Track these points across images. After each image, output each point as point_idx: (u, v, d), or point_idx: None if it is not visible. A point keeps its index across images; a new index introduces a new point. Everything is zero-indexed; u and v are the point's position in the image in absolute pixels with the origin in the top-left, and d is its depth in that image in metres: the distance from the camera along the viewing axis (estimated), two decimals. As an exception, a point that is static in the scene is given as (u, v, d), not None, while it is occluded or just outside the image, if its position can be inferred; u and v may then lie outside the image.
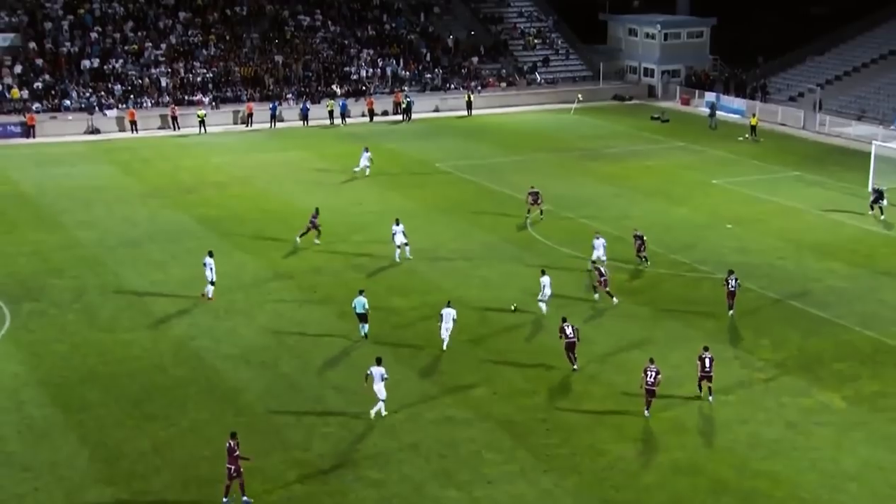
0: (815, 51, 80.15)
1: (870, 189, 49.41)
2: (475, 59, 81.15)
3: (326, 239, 43.59)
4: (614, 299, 36.16)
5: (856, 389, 29.79)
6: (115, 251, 42.17)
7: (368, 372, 28.29)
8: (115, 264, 40.54)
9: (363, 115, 71.91)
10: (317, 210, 43.25)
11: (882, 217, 46.97)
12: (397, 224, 40.82)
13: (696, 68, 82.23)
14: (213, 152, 61.04)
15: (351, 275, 39.40)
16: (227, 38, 76.64)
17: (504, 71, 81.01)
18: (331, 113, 70.07)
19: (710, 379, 29.21)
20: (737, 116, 72.52)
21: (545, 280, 35.15)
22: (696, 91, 78.22)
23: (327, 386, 30.19)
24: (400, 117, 72.12)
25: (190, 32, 76.26)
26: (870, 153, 53.31)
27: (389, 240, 41.11)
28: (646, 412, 28.35)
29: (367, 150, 54.81)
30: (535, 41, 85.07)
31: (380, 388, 28.08)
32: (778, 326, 34.55)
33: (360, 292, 33.82)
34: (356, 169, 54.53)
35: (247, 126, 69.06)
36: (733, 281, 35.28)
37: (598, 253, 39.17)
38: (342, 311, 35.57)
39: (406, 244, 40.66)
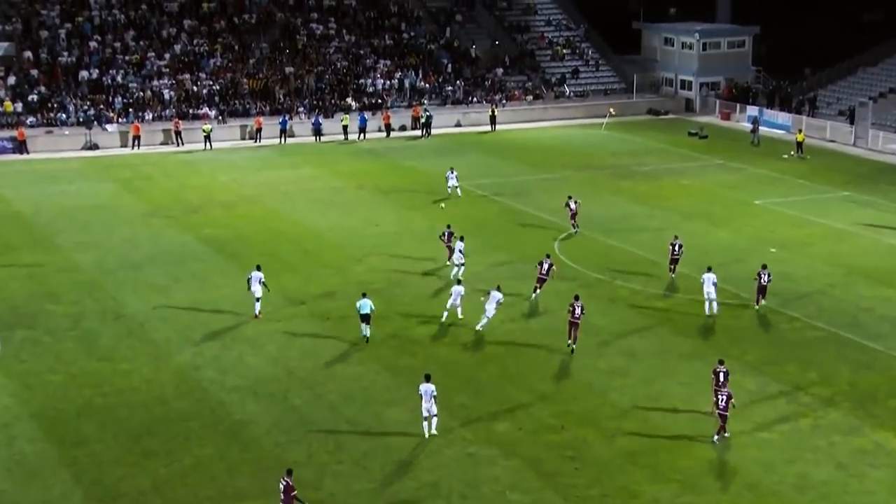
0: (868, 61, 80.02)
1: None
2: (499, 71, 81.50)
3: (339, 262, 43.77)
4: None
5: (912, 428, 29.59)
6: (114, 274, 42.47)
7: (420, 391, 29.05)
8: (114, 289, 40.81)
9: (380, 130, 72.28)
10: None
11: None
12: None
13: (737, 80, 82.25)
14: (220, 169, 61.46)
15: (366, 301, 39.50)
16: (235, 47, 77.36)
17: (530, 83, 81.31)
18: (345, 128, 70.49)
19: (724, 415, 28.59)
20: (781, 132, 72.44)
21: (496, 296, 35.87)
22: (738, 105, 78.25)
23: (341, 420, 30.24)
24: (419, 132, 72.45)
25: (195, 42, 77.03)
26: (926, 172, 53.13)
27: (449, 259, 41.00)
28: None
29: (452, 170, 54.72)
30: (564, 51, 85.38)
31: (430, 406, 28.87)
32: (827, 359, 34.37)
33: (364, 295, 35.71)
34: (449, 191, 54.01)
35: (255, 142, 69.54)
36: (766, 276, 37.69)
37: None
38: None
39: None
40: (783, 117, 74.29)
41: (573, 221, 48.02)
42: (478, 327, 36.27)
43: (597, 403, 31.15)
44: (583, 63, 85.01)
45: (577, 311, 34.56)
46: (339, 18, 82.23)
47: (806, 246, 45.72)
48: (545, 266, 38.79)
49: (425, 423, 29.22)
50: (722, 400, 28.67)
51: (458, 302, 36.84)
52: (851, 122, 71.66)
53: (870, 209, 52.53)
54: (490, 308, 35.94)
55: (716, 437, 28.83)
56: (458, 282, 38.20)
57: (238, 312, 38.12)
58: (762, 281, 38.28)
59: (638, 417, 30.32)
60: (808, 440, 29.11)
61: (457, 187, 54.47)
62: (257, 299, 37.54)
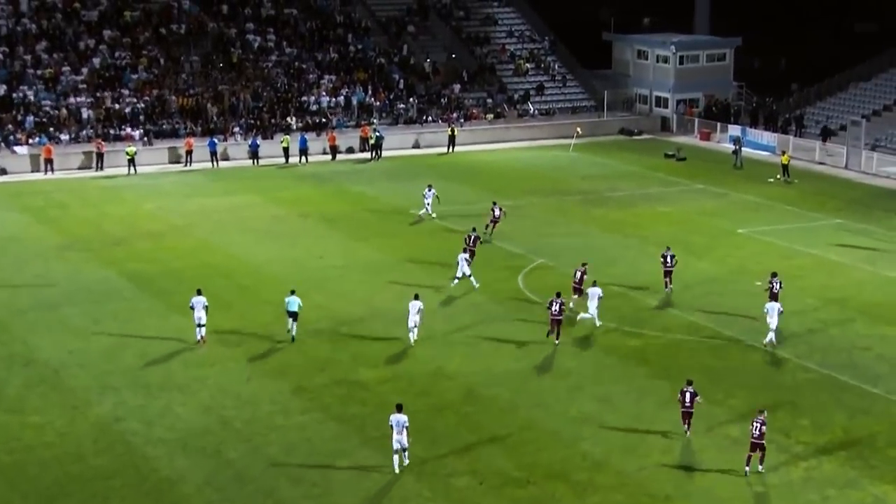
0: (861, 76, 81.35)
1: None
2: (457, 87, 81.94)
3: (280, 299, 43.57)
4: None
5: (914, 478, 29.86)
6: (25, 315, 41.98)
7: (390, 423, 29.91)
8: (25, 331, 40.32)
9: (324, 153, 72.29)
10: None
11: None
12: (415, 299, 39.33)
13: (717, 97, 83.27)
14: (146, 197, 61.12)
15: (309, 341, 39.35)
16: (162, 61, 77.16)
17: (491, 101, 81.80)
18: (285, 150, 70.42)
19: (691, 416, 31.73)
20: (766, 154, 73.35)
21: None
22: (718, 124, 79.16)
23: (282, 476, 30.01)
24: (368, 155, 72.55)
25: (117, 55, 76.76)
26: (924, 197, 53.99)
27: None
28: (760, 467, 29.81)
29: (430, 187, 55.95)
30: (528, 65, 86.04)
31: (402, 438, 29.75)
32: (820, 404, 34.65)
33: (292, 292, 39.08)
34: (421, 212, 55.61)
35: (185, 165, 69.28)
36: (777, 284, 40.81)
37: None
38: (299, 385, 35.51)
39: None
40: (768, 137, 75.26)
41: (491, 228, 50.90)
42: (412, 341, 38.72)
43: (566, 454, 31.14)
44: (548, 78, 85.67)
45: (556, 307, 38.51)
46: (278, 29, 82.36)
47: (795, 279, 46.17)
48: (555, 306, 38.89)
49: (396, 457, 29.88)
50: (689, 401, 31.66)
51: (417, 320, 38.67)
52: (824, 140, 72.93)
53: (864, 238, 53.22)
54: (414, 319, 38.62)
55: (687, 430, 31.70)
56: (416, 296, 39.27)
57: (167, 355, 37.78)
58: (774, 289, 40.66)
59: (612, 470, 30.34)
60: (800, 494, 29.25)
61: (429, 204, 55.39)
62: (200, 325, 38.39)
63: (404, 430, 29.88)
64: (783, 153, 67.75)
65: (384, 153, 72.18)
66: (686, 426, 32.09)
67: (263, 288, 45.16)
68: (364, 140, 73.74)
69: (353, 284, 45.77)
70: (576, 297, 42.17)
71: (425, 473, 30.08)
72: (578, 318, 40.88)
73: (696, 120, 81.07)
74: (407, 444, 30.03)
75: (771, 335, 38.85)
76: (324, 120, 75.76)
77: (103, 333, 40.03)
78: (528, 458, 30.93)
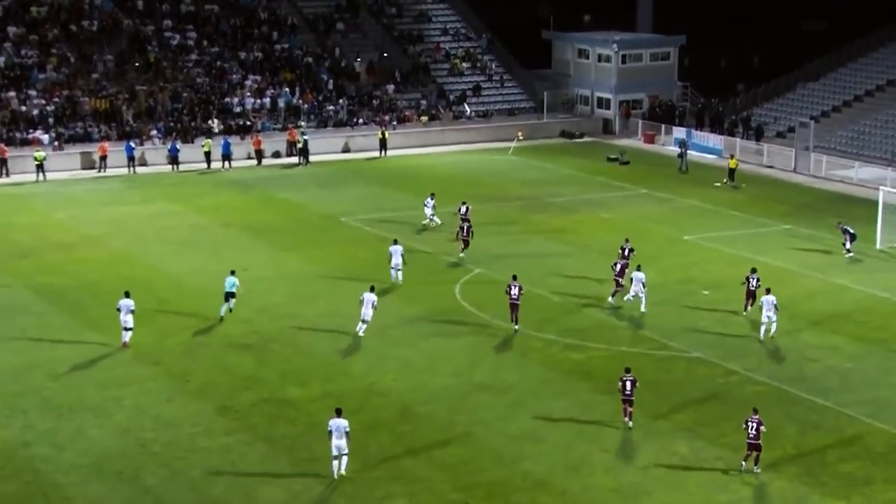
0: (809, 76, 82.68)
1: (843, 229, 51.83)
2: (390, 88, 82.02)
3: (202, 313, 43.31)
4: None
5: (868, 496, 30.30)
6: (-74, 333, 41.37)
7: (329, 428, 30.67)
8: (-74, 350, 39.74)
9: (249, 158, 72.01)
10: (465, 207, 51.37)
11: (849, 255, 50.96)
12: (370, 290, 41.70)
13: (661, 97, 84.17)
14: (56, 205, 60.44)
15: (234, 358, 39.17)
16: (73, 60, 76.37)
17: (425, 102, 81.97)
18: (207, 155, 70.04)
19: (631, 404, 33.64)
20: (713, 157, 74.26)
21: (369, 297, 40.63)
22: (663, 126, 80.00)
23: (205, 501, 29.81)
24: (295, 160, 72.36)
25: (23, 53, 75.83)
26: (876, 201, 54.93)
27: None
28: (756, 468, 31.15)
29: (433, 196, 56.39)
30: (464, 65, 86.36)
31: (341, 444, 30.39)
32: (769, 418, 35.00)
33: (232, 272, 42.70)
34: (425, 221, 55.83)
35: (99, 171, 68.64)
36: (755, 280, 42.97)
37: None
38: (223, 404, 35.32)
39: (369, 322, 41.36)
40: (714, 140, 76.21)
41: (464, 234, 51.02)
42: (360, 332, 40.43)
43: (507, 474, 31.28)
44: (485, 78, 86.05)
45: (514, 291, 41.31)
46: (198, 26, 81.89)
47: (743, 287, 46.70)
48: (513, 290, 41.73)
49: (335, 463, 30.46)
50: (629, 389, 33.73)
51: (370, 313, 40.51)
52: (757, 140, 74.07)
53: (814, 244, 54.07)
54: (367, 312, 40.36)
55: (629, 422, 33.65)
56: (371, 288, 41.44)
57: (80, 375, 37.40)
58: (750, 285, 42.83)
59: (555, 490, 30.53)
60: (749, 511, 29.68)
61: (433, 216, 55.63)
62: (127, 329, 39.45)
63: (344, 435, 30.43)
64: (731, 157, 68.62)
65: (312, 158, 72.00)
66: (627, 417, 33.83)
67: (184, 301, 44.87)
68: (291, 144, 73.51)
69: (281, 297, 45.62)
70: (619, 290, 44.51)
71: (358, 497, 30.05)
72: (626, 298, 43.96)
73: (640, 122, 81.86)
74: (346, 451, 30.51)
75: (773, 328, 41.00)
76: (248, 123, 75.41)
77: (10, 352, 39.51)
78: (467, 478, 31.02)
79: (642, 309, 43.66)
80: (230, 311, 42.62)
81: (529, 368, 38.77)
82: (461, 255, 50.58)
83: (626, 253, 46.82)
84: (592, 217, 59.36)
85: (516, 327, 41.54)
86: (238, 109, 76.47)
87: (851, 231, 51.73)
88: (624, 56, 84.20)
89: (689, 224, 57.76)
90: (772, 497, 30.21)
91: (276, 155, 73.40)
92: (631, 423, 33.84)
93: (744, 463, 31.38)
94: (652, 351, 40.34)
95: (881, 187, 56.85)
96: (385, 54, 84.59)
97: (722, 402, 36.03)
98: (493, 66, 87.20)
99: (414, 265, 48.96)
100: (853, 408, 35.49)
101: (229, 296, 42.48)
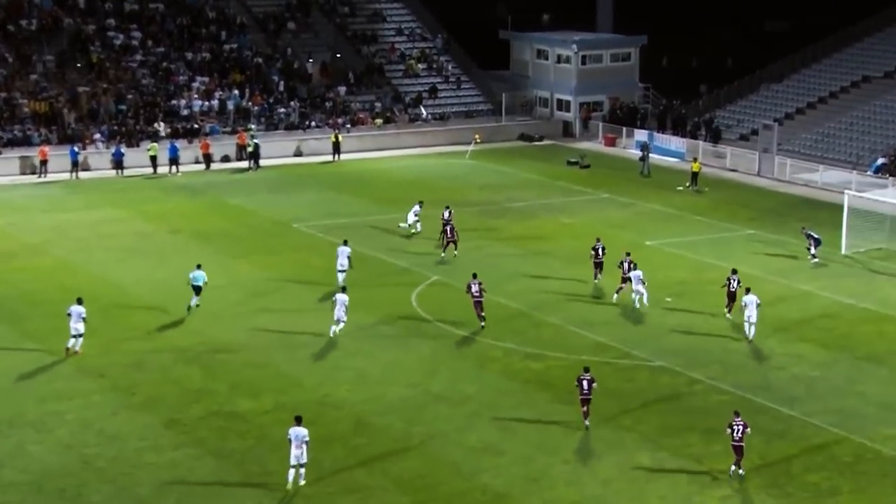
0: (773, 77, 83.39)
1: (807, 234, 52.33)
2: (342, 90, 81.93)
3: (149, 324, 43.02)
4: None
5: (833, 506, 30.62)
6: None
7: (288, 436, 31.01)
8: None
9: (197, 162, 71.70)
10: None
11: (814, 261, 51.37)
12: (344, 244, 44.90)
13: (622, 99, 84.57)
14: (-5, 211, 59.96)
15: (182, 370, 38.95)
16: (10, 60, 75.70)
17: (380, 104, 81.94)
18: (153, 159, 69.66)
19: (589, 403, 34.64)
20: (675, 160, 74.70)
21: (341, 298, 41.50)
22: (624, 129, 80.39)
23: (151, 520, 29.62)
24: (245, 164, 72.09)
25: (-38, 53, 75.12)
26: (842, 205, 55.44)
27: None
28: (740, 471, 31.67)
29: (420, 204, 56.56)
30: (419, 66, 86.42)
31: (300, 454, 30.68)
32: (734, 426, 35.33)
33: (198, 266, 44.20)
34: (403, 225, 56.05)
35: (39, 176, 68.14)
36: (735, 281, 43.77)
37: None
38: (171, 418, 35.09)
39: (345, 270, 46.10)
40: (677, 143, 76.67)
41: (449, 235, 52.04)
42: (332, 333, 41.35)
43: (465, 487, 31.26)
44: (442, 80, 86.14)
45: (475, 287, 42.56)
46: (143, 26, 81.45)
47: (707, 294, 47.01)
48: (474, 287, 42.69)
49: (292, 472, 30.63)
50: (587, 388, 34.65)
51: (343, 314, 41.32)
52: (715, 142, 74.73)
53: (779, 249, 54.48)
54: (340, 313, 41.21)
55: (587, 422, 34.60)
56: (343, 289, 42.54)
57: (19, 389, 37.03)
58: (731, 287, 43.80)
59: (517, 501, 30.53)
60: (714, 524, 29.83)
61: (417, 221, 55.79)
62: (76, 335, 39.43)
63: (304, 444, 30.75)
64: (693, 160, 69.04)
65: (263, 162, 71.75)
66: (585, 418, 34.67)
67: (130, 312, 44.58)
68: (241, 148, 73.25)
69: (231, 307, 45.41)
70: (623, 286, 45.88)
71: (312, 513, 29.95)
72: (615, 298, 45.73)
73: (601, 124, 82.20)
74: (305, 460, 30.79)
75: (752, 329, 41.84)
76: (196, 126, 75.09)
77: (-52, 365, 39.14)
78: (424, 493, 30.97)
79: (644, 302, 45.09)
80: (198, 306, 43.84)
81: (488, 378, 38.78)
82: (444, 254, 51.87)
83: (600, 252, 48.05)
84: (553, 222, 59.49)
85: (482, 324, 42.63)
86: (185, 112, 76.10)
87: (816, 236, 52.19)
88: (584, 57, 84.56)
89: (652, 229, 58.04)
90: (737, 509, 30.35)
91: (226, 159, 73.12)
92: (588, 422, 34.53)
93: (734, 468, 31.79)
94: (614, 360, 40.46)
95: (846, 191, 57.40)
96: (338, 55, 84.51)
97: (685, 412, 36.18)
98: (450, 67, 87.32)
99: (369, 272, 48.93)
100: (819, 417, 35.74)
101: (197, 290, 43.81)
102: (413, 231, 55.85)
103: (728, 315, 44.24)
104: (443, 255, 51.84)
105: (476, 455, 33.06)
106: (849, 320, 44.83)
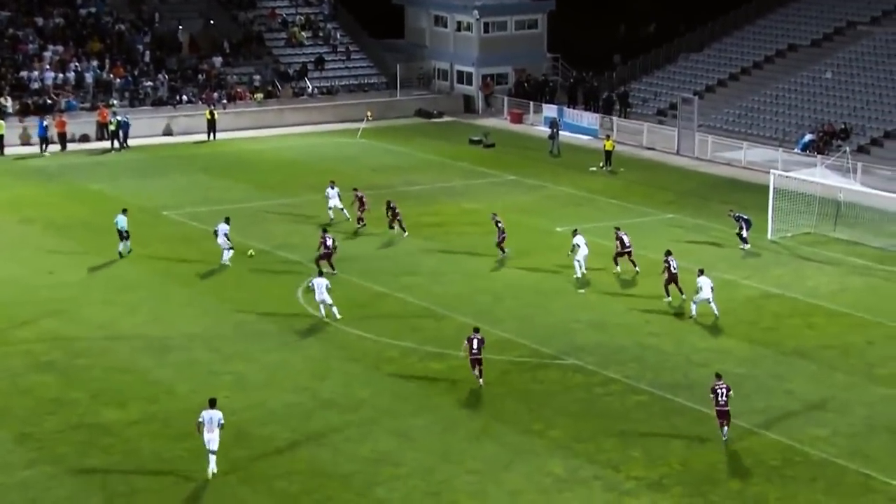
0: (692, 46, 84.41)
1: (736, 217, 53.18)
2: (217, 61, 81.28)
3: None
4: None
5: (760, 514, 31.19)
6: None
7: (200, 419, 32.04)
8: None
9: (52, 142, 70.61)
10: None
11: (745, 246, 52.43)
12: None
13: (529, 71, 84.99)
14: None
15: (35, 378, 38.45)
16: None
17: (260, 77, 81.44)
18: (0, 139, 68.53)
19: (480, 363, 37.60)
20: (587, 138, 75.34)
21: (319, 282, 43.34)
22: (532, 104, 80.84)
23: (4, 547, 29.21)
24: (108, 144, 71.25)
25: None
26: (767, 186, 56.35)
27: None
28: (724, 435, 34.22)
29: (333, 185, 56.10)
30: (304, 34, 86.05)
31: (213, 438, 31.91)
32: (653, 431, 35.74)
33: (124, 211, 49.88)
34: (330, 208, 56.02)
35: None
36: (674, 264, 45.36)
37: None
38: (23, 432, 34.62)
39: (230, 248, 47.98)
40: (589, 119, 77.30)
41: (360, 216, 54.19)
42: (333, 315, 42.97)
43: (358, 503, 31.35)
44: (329, 50, 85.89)
45: (476, 344, 39.38)
46: (-13, -12, 80.00)
47: (622, 285, 47.52)
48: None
49: (212, 457, 32.02)
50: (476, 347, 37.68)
51: (326, 296, 42.80)
52: (624, 114, 76.46)
53: (700, 235, 55.23)
54: (323, 296, 42.81)
55: (481, 380, 37.53)
56: (320, 273, 44.31)
57: None
58: (672, 268, 45.15)
59: (414, 520, 30.68)
60: (632, 537, 30.22)
61: (342, 209, 55.55)
62: None
63: (216, 428, 31.94)
64: (607, 137, 69.69)
65: (130, 142, 71.05)
66: (478, 375, 37.91)
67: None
68: (102, 126, 72.38)
69: (93, 306, 44.90)
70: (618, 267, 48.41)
71: (186, 535, 29.79)
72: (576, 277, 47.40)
73: (505, 99, 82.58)
74: (216, 447, 31.90)
75: (694, 307, 43.93)
76: (49, 101, 74.00)
77: None
78: (313, 509, 30.98)
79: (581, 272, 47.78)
80: (130, 251, 49.55)
81: (383, 381, 38.79)
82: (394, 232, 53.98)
83: (626, 241, 48.88)
84: (454, 207, 59.67)
85: (481, 382, 38.49)
86: (36, 85, 74.95)
87: (746, 217, 52.90)
88: (486, 24, 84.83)
89: (563, 214, 58.48)
90: (657, 520, 30.78)
91: (84, 139, 72.17)
92: (482, 381, 37.58)
93: (726, 429, 34.22)
94: (522, 358, 40.71)
95: (772, 171, 58.27)
96: (211, 21, 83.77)
97: (600, 415, 36.54)
98: (338, 35, 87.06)
99: (248, 263, 48.63)
100: (744, 418, 36.31)
101: (124, 234, 49.29)
102: (342, 218, 55.88)
103: (667, 299, 45.37)
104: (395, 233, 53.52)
105: (370, 466, 33.08)
106: (775, 312, 45.62)
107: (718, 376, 34.52)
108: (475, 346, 37.59)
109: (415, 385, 38.51)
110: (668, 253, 46.01)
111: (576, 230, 48.16)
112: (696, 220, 57.67)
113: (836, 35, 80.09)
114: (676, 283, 45.46)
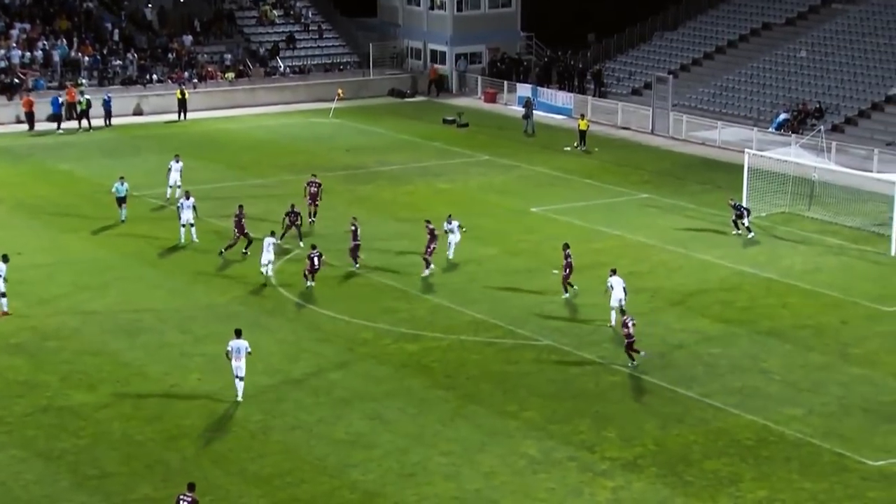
0: (666, 24, 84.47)
1: (735, 205, 52.61)
2: (188, 39, 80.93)
3: (-34, 309, 42.27)
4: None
5: (736, 497, 31.14)
6: None
7: (229, 347, 35.14)
8: None
9: (19, 122, 70.56)
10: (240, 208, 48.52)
11: (750, 235, 51.43)
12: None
13: (503, 50, 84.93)
14: None
15: (4, 360, 38.43)
16: None
17: (231, 56, 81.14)
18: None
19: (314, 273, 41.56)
20: (561, 118, 75.38)
21: (270, 241, 45.24)
22: (506, 83, 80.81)
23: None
24: (76, 124, 70.95)
25: None
26: (742, 166, 56.53)
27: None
28: (631, 363, 37.68)
29: (177, 158, 56.00)
30: (276, 13, 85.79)
31: (240, 365, 34.94)
32: (628, 412, 35.88)
33: (121, 179, 52.13)
34: (169, 187, 55.75)
35: None
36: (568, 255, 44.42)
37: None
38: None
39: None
40: (563, 99, 77.34)
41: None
42: (266, 273, 45.06)
43: (333, 486, 31.30)
44: (301, 28, 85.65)
45: (317, 262, 44.19)
46: (-49, -36, 79.42)
47: (597, 266, 47.55)
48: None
49: (239, 383, 35.18)
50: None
51: (272, 257, 44.99)
52: (599, 93, 76.69)
53: (675, 215, 55.37)
54: (269, 256, 45.01)
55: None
56: (272, 233, 46.04)
57: None
58: (570, 261, 44.08)
59: (388, 501, 30.67)
60: (607, 518, 30.31)
61: (178, 186, 54.97)
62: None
63: (244, 357, 34.83)
64: (581, 117, 69.74)
65: (97, 122, 70.72)
66: (309, 279, 43.27)
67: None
68: (70, 106, 72.01)
69: (62, 288, 44.75)
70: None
71: (158, 521, 29.78)
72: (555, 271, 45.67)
73: (479, 78, 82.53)
74: (243, 374, 34.89)
75: (613, 314, 41.52)
76: (16, 81, 73.60)
77: None
78: (286, 492, 30.94)
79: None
80: (122, 221, 51.88)
81: (357, 363, 38.80)
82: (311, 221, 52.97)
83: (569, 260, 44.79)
84: (427, 188, 59.64)
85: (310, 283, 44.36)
86: (3, 64, 74.45)
87: (746, 207, 52.22)
88: (460, 2, 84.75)
89: (537, 195, 58.52)
90: (631, 501, 30.87)
91: (54, 119, 71.78)
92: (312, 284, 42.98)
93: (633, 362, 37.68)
94: (496, 339, 40.76)
95: (746, 150, 58.47)
96: None
97: (575, 396, 36.64)
98: (310, 14, 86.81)
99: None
100: (719, 398, 36.51)
101: (120, 202, 51.74)
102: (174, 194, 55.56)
103: (565, 296, 44.34)
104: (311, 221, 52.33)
105: (344, 449, 33.10)
106: (749, 292, 45.80)
107: (624, 311, 36.59)
108: (316, 263, 43.64)
109: (388, 367, 38.52)
110: (567, 246, 44.48)
111: (614, 270, 42.42)
112: (671, 200, 57.77)
113: (810, 13, 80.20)
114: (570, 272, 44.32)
